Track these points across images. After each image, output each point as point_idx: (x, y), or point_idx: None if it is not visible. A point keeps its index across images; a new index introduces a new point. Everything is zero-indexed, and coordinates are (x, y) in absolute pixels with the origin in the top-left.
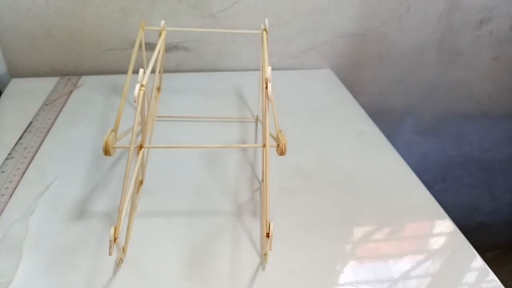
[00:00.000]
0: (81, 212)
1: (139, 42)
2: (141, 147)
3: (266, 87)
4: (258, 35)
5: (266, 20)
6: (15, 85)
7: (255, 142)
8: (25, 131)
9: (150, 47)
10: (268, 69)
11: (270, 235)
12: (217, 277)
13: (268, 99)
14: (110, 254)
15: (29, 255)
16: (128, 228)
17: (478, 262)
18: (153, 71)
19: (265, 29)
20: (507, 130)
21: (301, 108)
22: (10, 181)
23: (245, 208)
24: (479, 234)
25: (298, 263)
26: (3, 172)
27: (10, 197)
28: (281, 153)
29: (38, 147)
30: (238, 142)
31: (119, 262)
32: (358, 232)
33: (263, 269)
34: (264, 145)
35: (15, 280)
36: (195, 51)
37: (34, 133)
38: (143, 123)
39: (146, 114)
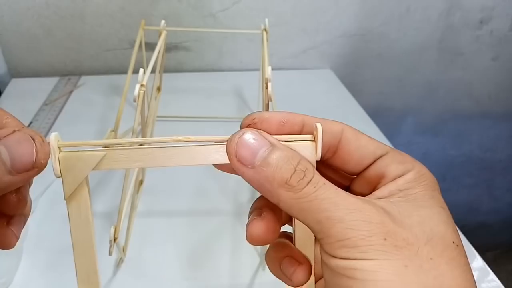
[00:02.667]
0: None
1: (139, 42)
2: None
3: (266, 87)
4: (258, 35)
5: (266, 20)
6: (15, 85)
7: None
8: None
9: (150, 47)
10: (268, 69)
11: None
12: (217, 277)
13: (268, 99)
14: (110, 254)
15: (29, 255)
16: (128, 228)
17: (478, 262)
18: (153, 71)
19: (265, 29)
20: (507, 130)
21: (301, 108)
22: None
23: (245, 208)
24: (479, 234)
25: None
26: None
27: None
28: None
29: None
30: None
31: (119, 262)
32: None
33: (263, 269)
34: None
35: (15, 280)
36: (195, 51)
37: None
38: (143, 123)
39: (146, 114)
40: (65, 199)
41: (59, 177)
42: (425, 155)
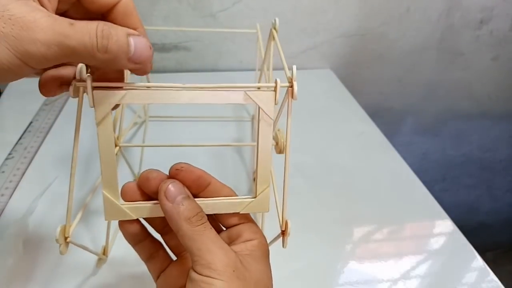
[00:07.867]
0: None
1: None
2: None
3: (292, 86)
4: (256, 35)
5: (275, 19)
6: (15, 85)
7: (252, 141)
8: (25, 131)
9: None
10: (294, 68)
11: (286, 232)
12: None
13: (292, 97)
14: (62, 253)
15: (29, 254)
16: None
17: (478, 262)
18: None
19: (275, 28)
20: (507, 130)
21: (301, 108)
22: (10, 181)
23: None
24: (479, 234)
25: (299, 263)
26: (3, 172)
27: (10, 197)
28: (280, 151)
29: (38, 147)
30: (237, 141)
31: (98, 263)
32: (358, 232)
33: None
34: (285, 148)
35: (15, 280)
36: (195, 51)
37: (34, 133)
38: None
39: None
40: (96, 125)
41: (92, 107)
42: (425, 155)
